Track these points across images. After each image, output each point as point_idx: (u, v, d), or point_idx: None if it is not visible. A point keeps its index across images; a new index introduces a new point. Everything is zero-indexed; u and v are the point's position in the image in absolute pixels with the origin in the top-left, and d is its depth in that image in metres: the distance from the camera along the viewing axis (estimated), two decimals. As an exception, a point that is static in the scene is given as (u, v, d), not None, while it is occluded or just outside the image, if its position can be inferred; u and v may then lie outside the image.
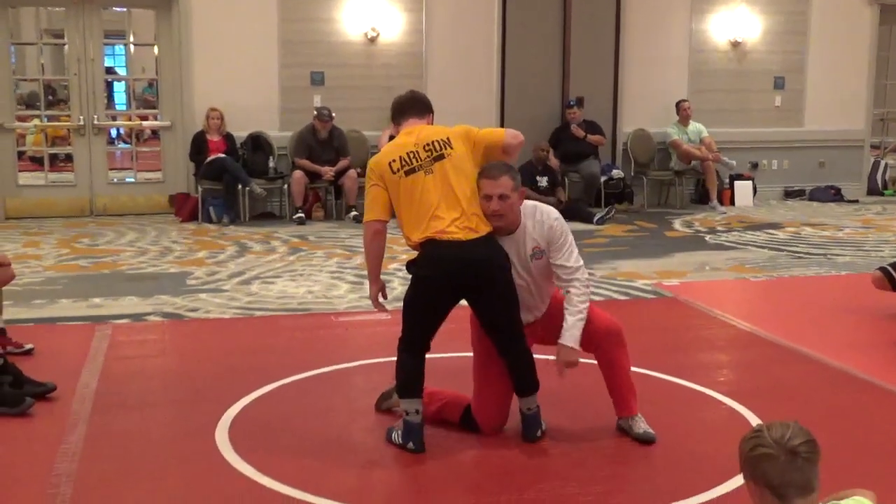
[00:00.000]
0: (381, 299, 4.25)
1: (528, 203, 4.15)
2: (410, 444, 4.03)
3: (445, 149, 4.03)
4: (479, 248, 3.93)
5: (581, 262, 4.15)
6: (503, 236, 4.08)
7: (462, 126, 4.18)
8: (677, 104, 11.72)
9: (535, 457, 4.03)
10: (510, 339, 4.10)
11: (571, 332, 4.05)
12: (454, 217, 3.94)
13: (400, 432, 4.08)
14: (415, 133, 4.10)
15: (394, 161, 4.02)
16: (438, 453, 4.04)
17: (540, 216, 4.13)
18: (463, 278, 3.95)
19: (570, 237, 4.16)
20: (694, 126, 11.78)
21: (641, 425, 4.20)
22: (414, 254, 4.10)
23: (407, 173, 3.99)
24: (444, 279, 3.95)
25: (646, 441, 4.15)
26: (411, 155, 4.01)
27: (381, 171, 4.05)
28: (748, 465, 2.21)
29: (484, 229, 3.97)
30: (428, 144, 4.03)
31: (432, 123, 4.26)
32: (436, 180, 3.98)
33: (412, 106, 4.25)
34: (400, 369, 4.09)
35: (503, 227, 4.05)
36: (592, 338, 4.16)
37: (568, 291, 4.09)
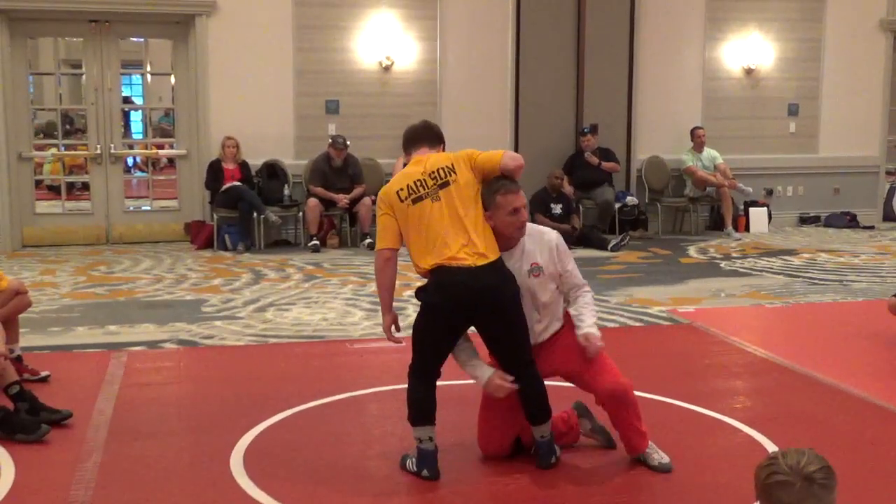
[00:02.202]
0: (394, 331, 4.22)
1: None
2: (425, 472, 4.02)
3: (450, 175, 4.03)
4: (488, 275, 3.92)
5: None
6: (506, 251, 4.08)
7: (466, 151, 4.17)
8: (692, 131, 11.74)
9: (549, 485, 4.01)
10: (520, 365, 4.09)
11: (594, 325, 4.16)
12: (462, 243, 3.93)
13: (414, 460, 4.07)
14: (423, 162, 4.11)
15: (401, 190, 4.04)
16: (453, 481, 4.03)
17: (538, 234, 4.19)
18: (473, 305, 3.94)
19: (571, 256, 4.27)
20: (708, 153, 11.79)
21: (655, 457, 4.15)
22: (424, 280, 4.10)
23: (414, 201, 4.01)
24: (453, 306, 3.95)
25: (662, 471, 4.12)
26: (418, 183, 4.03)
27: (389, 200, 4.07)
28: (764, 493, 2.19)
29: (493, 255, 3.96)
30: (434, 172, 4.04)
31: (441, 149, 4.27)
32: (442, 207, 3.98)
33: (424, 136, 4.28)
34: (411, 397, 4.08)
35: (514, 240, 4.09)
36: (597, 399, 4.15)
37: (578, 298, 4.22)
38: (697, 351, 6.29)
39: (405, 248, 4.10)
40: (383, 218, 4.09)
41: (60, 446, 4.40)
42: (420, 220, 3.99)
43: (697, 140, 11.72)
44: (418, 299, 4.07)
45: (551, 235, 4.21)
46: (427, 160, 4.11)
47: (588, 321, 4.15)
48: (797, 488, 2.13)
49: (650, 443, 4.18)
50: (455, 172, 4.04)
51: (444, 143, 4.30)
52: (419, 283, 4.12)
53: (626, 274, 9.03)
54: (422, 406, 4.05)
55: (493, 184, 4.05)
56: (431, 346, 4.04)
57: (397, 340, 4.23)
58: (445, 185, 4.01)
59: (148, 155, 11.88)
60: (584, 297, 4.22)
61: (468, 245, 3.93)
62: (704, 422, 4.83)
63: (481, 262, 3.92)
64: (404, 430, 4.46)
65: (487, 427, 4.26)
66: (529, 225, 4.19)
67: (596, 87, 11.49)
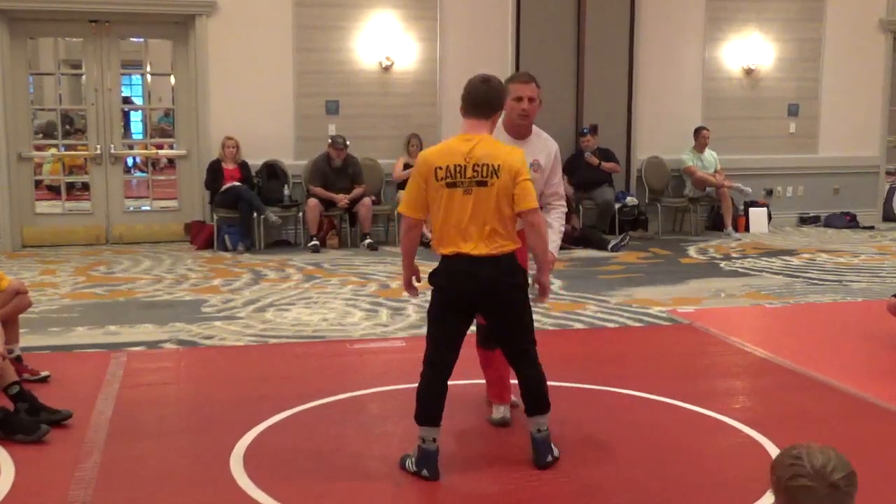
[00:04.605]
0: (415, 282, 4.30)
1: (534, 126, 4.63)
2: (424, 472, 4.02)
3: (492, 177, 3.97)
4: (494, 267, 3.97)
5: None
6: (518, 140, 4.51)
7: (517, 164, 4.01)
8: (697, 131, 11.71)
9: (547, 484, 4.00)
10: (522, 356, 4.14)
11: (554, 245, 4.53)
12: (480, 238, 3.97)
13: (414, 459, 4.07)
14: (473, 141, 4.03)
15: (440, 168, 3.99)
16: (451, 481, 4.03)
17: (546, 138, 4.72)
18: (477, 294, 4.01)
19: None
20: (709, 153, 11.79)
21: (501, 410, 4.66)
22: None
23: (448, 185, 3.99)
24: (457, 294, 4.03)
25: (497, 425, 4.60)
26: (457, 169, 3.98)
27: (426, 171, 4.03)
28: (785, 493, 2.16)
29: (510, 247, 4.01)
30: (478, 165, 3.98)
31: (496, 122, 4.22)
32: (470, 203, 3.97)
33: (480, 107, 4.12)
34: (421, 394, 4.09)
35: (524, 129, 4.55)
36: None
37: (553, 210, 4.71)
38: (697, 351, 6.29)
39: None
40: (415, 185, 4.08)
41: (60, 446, 4.40)
42: (449, 206, 4.00)
43: (702, 140, 11.70)
44: (430, 283, 4.13)
45: (554, 144, 4.74)
46: (476, 145, 4.01)
47: (552, 245, 4.44)
48: (821, 495, 2.10)
49: (512, 399, 4.63)
50: (498, 176, 3.98)
51: (501, 108, 4.23)
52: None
53: (626, 274, 9.02)
54: (430, 406, 4.06)
55: (513, 75, 4.67)
56: (441, 327, 4.08)
57: (415, 293, 4.35)
58: (483, 184, 3.97)
59: (148, 155, 11.88)
60: (558, 211, 4.71)
61: (485, 241, 3.97)
62: (704, 422, 4.83)
63: (491, 252, 3.96)
64: (404, 430, 4.47)
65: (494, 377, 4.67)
66: (538, 128, 4.64)
67: (596, 87, 11.49)
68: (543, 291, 4.21)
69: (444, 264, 4.04)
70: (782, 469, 2.17)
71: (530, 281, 4.20)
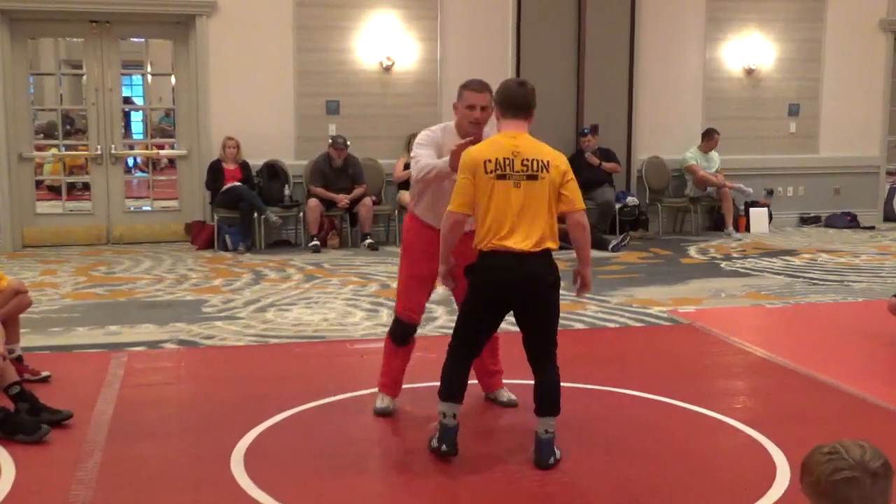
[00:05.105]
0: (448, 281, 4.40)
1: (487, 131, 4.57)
2: (444, 447, 4.13)
3: (542, 171, 4.06)
4: (532, 262, 4.03)
5: None
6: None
7: (565, 163, 4.17)
8: (709, 133, 11.64)
9: (548, 484, 4.01)
10: (545, 355, 4.20)
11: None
12: (527, 234, 4.02)
13: (436, 437, 4.19)
14: (518, 139, 4.13)
15: (489, 161, 4.06)
16: (451, 480, 4.04)
17: None
18: (516, 290, 4.07)
19: None
20: (714, 153, 11.77)
21: (504, 395, 4.94)
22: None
23: (498, 177, 4.05)
24: (496, 289, 4.09)
25: (511, 406, 4.87)
26: (506, 162, 4.06)
27: (474, 166, 4.09)
28: (827, 490, 2.12)
29: (549, 244, 4.08)
30: (527, 160, 4.06)
31: (531, 121, 4.26)
32: (520, 196, 4.04)
33: (520, 108, 4.21)
34: (446, 372, 4.21)
35: (476, 136, 4.45)
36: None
37: None
38: (698, 351, 6.29)
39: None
40: (463, 181, 4.12)
41: (61, 447, 4.40)
42: (495, 198, 4.05)
43: (712, 143, 11.64)
44: (466, 278, 4.20)
45: None
46: (521, 142, 4.12)
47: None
48: (866, 485, 2.10)
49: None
50: (548, 171, 4.08)
51: (534, 109, 4.27)
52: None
53: (627, 274, 9.03)
54: (452, 383, 4.18)
55: (467, 82, 4.56)
56: (473, 322, 4.19)
57: (451, 286, 4.42)
58: (533, 178, 4.06)
59: (148, 155, 11.87)
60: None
61: (531, 238, 4.03)
62: (705, 422, 4.83)
63: (531, 248, 4.02)
64: (405, 429, 4.48)
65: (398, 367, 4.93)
66: (488, 130, 4.51)
67: (596, 87, 11.49)
68: (585, 284, 4.31)
69: (485, 259, 4.09)
70: (820, 467, 2.14)
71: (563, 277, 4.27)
